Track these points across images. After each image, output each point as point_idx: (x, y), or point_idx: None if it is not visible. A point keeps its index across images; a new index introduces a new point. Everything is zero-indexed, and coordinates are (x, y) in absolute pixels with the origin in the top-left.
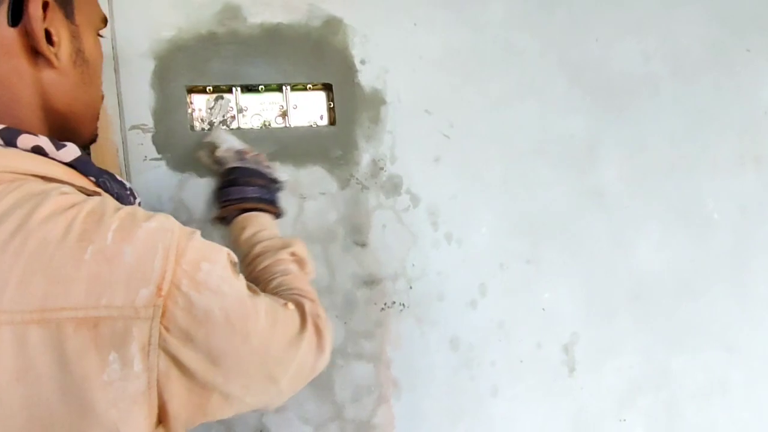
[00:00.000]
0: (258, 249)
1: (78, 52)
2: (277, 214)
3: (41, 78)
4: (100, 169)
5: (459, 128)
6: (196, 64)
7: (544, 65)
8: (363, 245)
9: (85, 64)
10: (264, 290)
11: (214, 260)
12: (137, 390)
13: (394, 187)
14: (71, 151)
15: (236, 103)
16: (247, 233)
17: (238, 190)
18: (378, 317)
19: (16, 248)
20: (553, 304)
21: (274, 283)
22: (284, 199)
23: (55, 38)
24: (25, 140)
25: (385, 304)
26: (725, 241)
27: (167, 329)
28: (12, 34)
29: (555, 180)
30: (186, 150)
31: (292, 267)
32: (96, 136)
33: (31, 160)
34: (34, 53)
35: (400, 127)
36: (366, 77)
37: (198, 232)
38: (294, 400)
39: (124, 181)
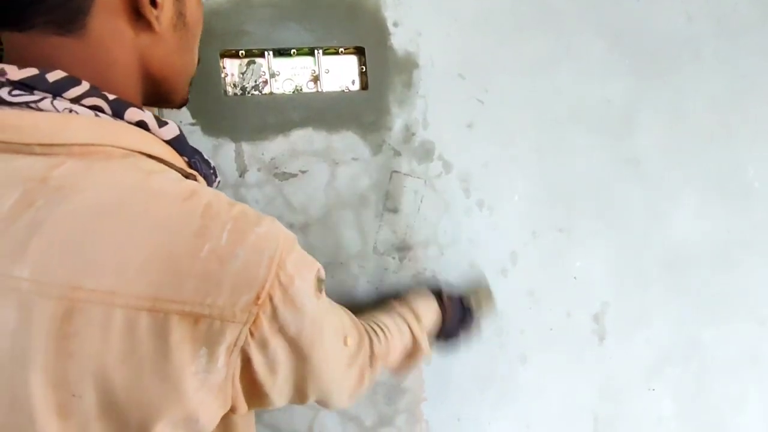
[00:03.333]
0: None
1: (179, 16)
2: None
3: (139, 42)
4: (193, 148)
5: (493, 93)
6: (229, 28)
7: (581, 28)
8: (395, 211)
9: (185, 28)
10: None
11: (305, 278)
12: (216, 383)
13: (426, 153)
14: (171, 129)
15: (269, 68)
16: (414, 321)
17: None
18: (409, 283)
19: (142, 235)
20: (585, 273)
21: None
22: (315, 164)
23: (158, 0)
24: (132, 114)
25: (416, 270)
26: (765, 211)
27: (252, 335)
28: None
29: (590, 147)
30: (220, 115)
31: (403, 331)
32: (186, 100)
33: (139, 137)
34: (136, 15)
35: (433, 92)
36: (399, 40)
37: (296, 241)
38: None
39: (210, 161)
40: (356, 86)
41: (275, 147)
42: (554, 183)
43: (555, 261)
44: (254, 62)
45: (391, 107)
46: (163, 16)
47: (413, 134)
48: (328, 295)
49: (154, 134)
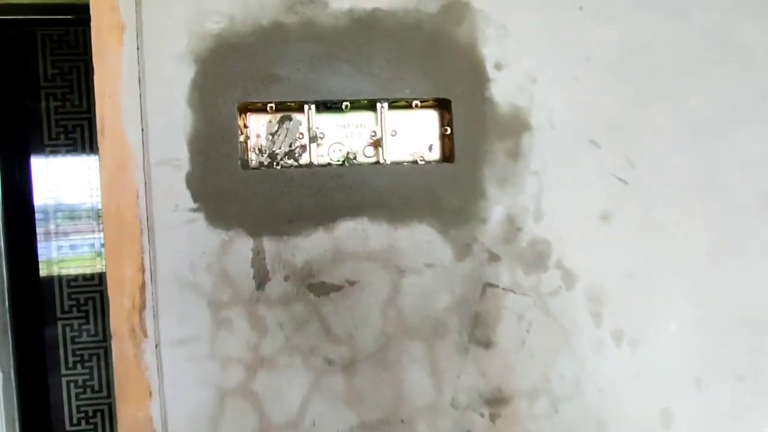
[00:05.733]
0: None
1: None
2: None
3: None
4: None
5: (642, 168)
6: (253, 70)
7: None
8: (487, 345)
9: None
10: None
11: None
12: None
13: (538, 257)
14: None
15: (309, 128)
16: None
17: None
18: None
19: None
20: None
21: None
22: (370, 272)
23: None
24: None
25: None
26: None
27: None
28: None
29: None
30: (235, 196)
31: None
32: None
33: None
34: None
35: (551, 167)
36: (502, 89)
37: None
38: None
39: None
40: (435, 155)
41: (312, 245)
42: (734, 304)
43: (731, 423)
44: (289, 119)
45: (488, 188)
46: None
47: (519, 229)
48: None
49: None
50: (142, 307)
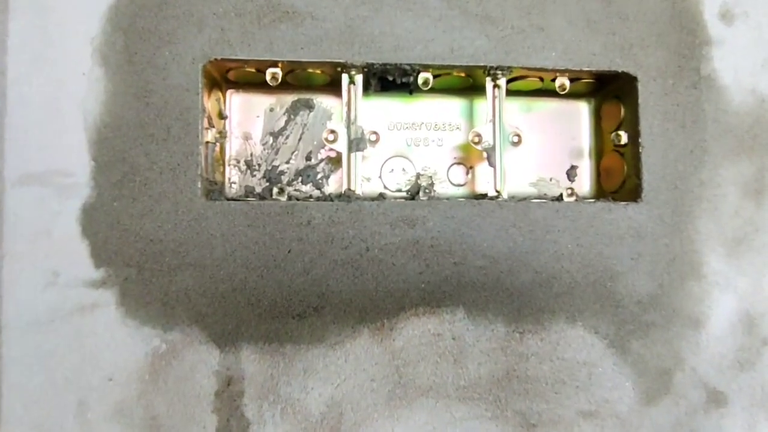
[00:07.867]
0: None
1: None
2: None
3: None
4: None
5: None
6: (241, 1)
7: None
8: None
9: None
10: None
11: None
12: None
13: None
14: None
15: (349, 122)
16: None
17: None
18: None
19: None
20: None
21: None
22: (475, 429)
23: None
24: None
25: None
26: None
27: None
28: None
29: None
30: (187, 257)
31: None
32: None
33: None
34: None
35: None
36: (734, 62)
37: None
38: None
39: None
40: (586, 186)
41: (345, 369)
42: None
43: None
44: (309, 106)
45: (707, 258)
46: None
47: (767, 342)
48: None
49: None
50: None
